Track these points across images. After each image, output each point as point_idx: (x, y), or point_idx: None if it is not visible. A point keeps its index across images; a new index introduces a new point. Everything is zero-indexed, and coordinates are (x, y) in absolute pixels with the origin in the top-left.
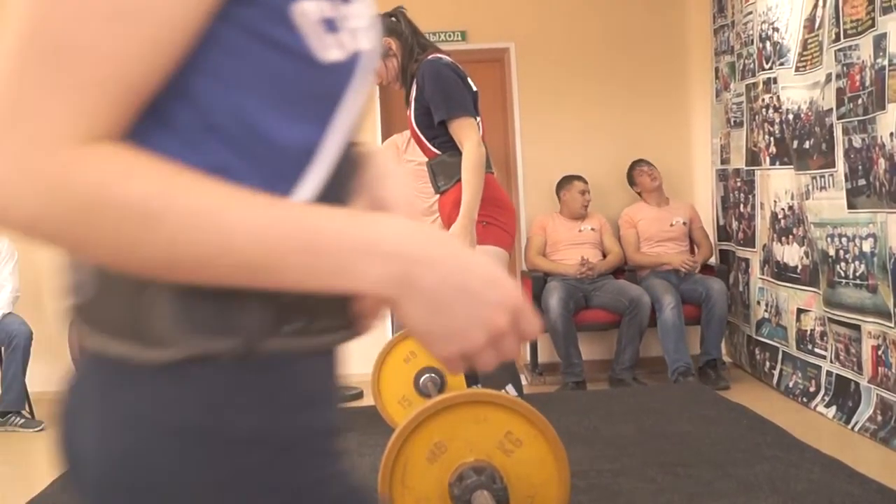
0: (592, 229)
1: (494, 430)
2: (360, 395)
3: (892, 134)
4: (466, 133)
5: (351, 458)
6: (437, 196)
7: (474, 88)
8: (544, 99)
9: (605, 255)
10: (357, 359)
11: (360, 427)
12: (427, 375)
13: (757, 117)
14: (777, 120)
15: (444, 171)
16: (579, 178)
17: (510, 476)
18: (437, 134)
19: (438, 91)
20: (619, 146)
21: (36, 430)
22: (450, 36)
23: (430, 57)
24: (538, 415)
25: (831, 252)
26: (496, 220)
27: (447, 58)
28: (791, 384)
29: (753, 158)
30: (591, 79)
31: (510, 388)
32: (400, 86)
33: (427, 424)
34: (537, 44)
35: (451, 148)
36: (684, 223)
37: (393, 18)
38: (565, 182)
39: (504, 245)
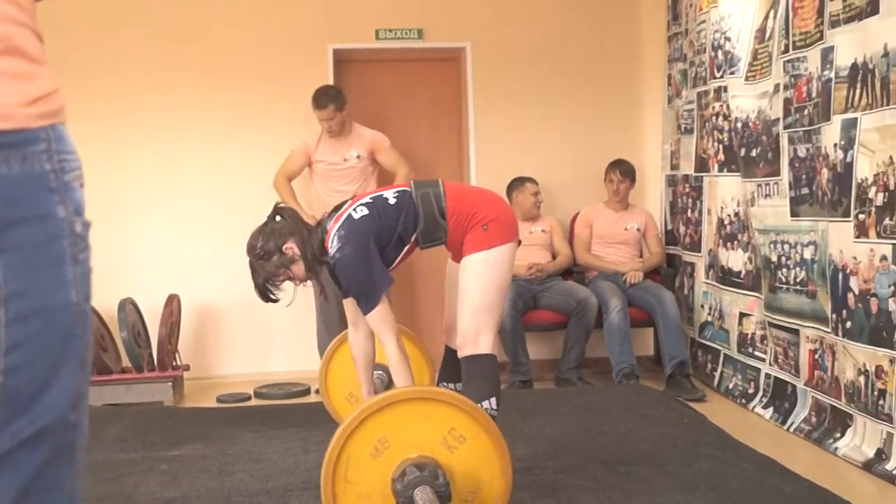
0: (543, 231)
1: (438, 426)
2: (306, 392)
3: (835, 144)
4: (383, 331)
5: (295, 454)
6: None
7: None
8: (499, 99)
9: (554, 257)
10: (305, 355)
11: (305, 423)
12: (375, 372)
13: (707, 125)
14: (726, 128)
15: (432, 234)
16: (531, 179)
17: (453, 472)
18: (395, 246)
19: (353, 288)
20: (571, 149)
21: None
22: (406, 34)
23: (331, 256)
24: (482, 412)
25: (774, 258)
26: (493, 217)
27: (338, 241)
28: (731, 386)
29: (702, 165)
30: (546, 81)
31: (493, 401)
32: (313, 279)
33: (371, 420)
34: (493, 44)
35: (412, 224)
36: (638, 229)
37: (278, 218)
38: (517, 184)
39: (512, 238)
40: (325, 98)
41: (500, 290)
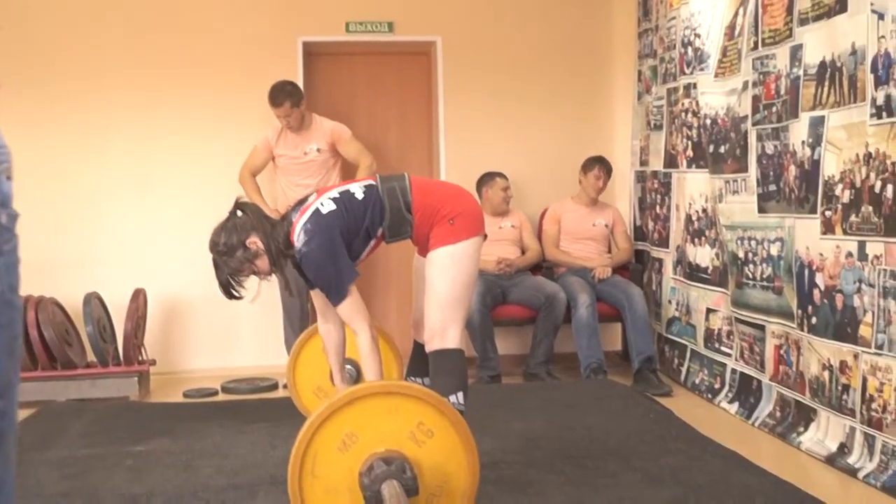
0: (513, 226)
1: (406, 420)
2: (274, 387)
3: (803, 142)
4: (354, 320)
5: (263, 449)
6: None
7: (348, 209)
8: (469, 94)
9: (523, 252)
10: (272, 350)
11: (273, 418)
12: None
13: (676, 121)
14: (695, 124)
15: (398, 228)
16: (501, 174)
17: (421, 466)
18: (362, 240)
19: (321, 281)
20: (541, 144)
21: None
22: (377, 27)
23: (296, 250)
24: (449, 406)
25: (741, 254)
26: (459, 212)
27: (304, 235)
28: (697, 381)
29: (671, 161)
30: (517, 75)
31: (460, 395)
32: (277, 273)
33: (339, 415)
34: (464, 39)
35: (378, 218)
36: (606, 225)
37: (240, 214)
38: (487, 179)
39: (478, 231)
40: (281, 95)
41: (467, 284)
